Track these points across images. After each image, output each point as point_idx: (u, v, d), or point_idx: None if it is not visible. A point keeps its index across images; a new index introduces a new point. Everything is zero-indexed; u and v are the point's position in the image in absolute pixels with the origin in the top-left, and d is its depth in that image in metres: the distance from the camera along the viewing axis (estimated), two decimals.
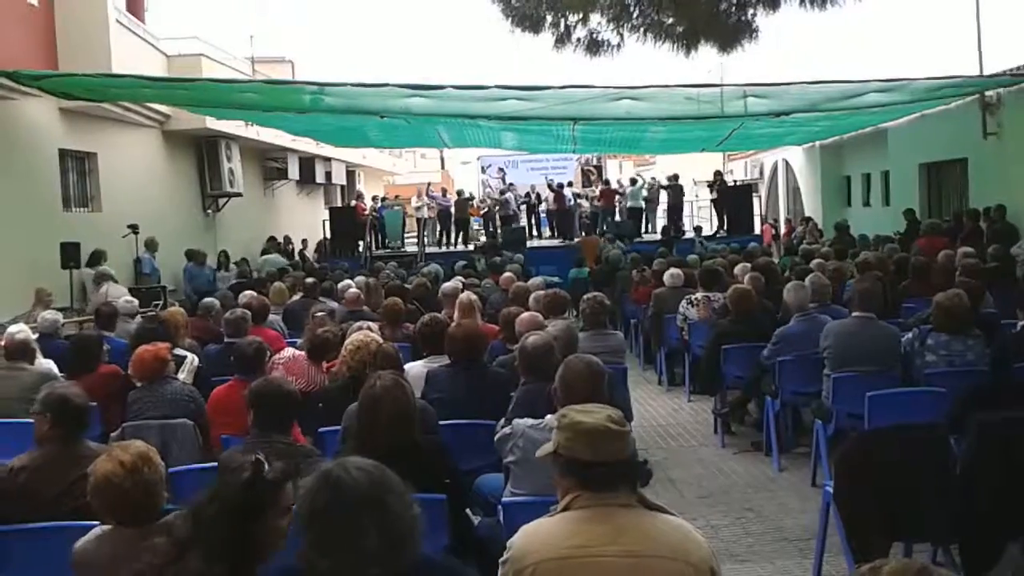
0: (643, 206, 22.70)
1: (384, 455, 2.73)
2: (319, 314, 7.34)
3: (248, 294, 8.72)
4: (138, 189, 14.46)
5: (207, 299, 9.29)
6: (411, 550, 2.19)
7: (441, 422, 4.62)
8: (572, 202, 23.19)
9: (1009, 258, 10.22)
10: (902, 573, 1.77)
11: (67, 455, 3.81)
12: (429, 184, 25.74)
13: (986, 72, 14.17)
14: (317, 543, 2.17)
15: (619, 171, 34.38)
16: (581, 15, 10.92)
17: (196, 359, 6.30)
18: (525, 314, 6.33)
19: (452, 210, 23.21)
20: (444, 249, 22.03)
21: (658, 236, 21.83)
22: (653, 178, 24.45)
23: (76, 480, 3.64)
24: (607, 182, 25.30)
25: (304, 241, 22.29)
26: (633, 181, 23.89)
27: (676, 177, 22.59)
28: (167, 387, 5.38)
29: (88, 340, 6.60)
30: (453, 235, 23.32)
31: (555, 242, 22.61)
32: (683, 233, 21.20)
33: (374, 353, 5.06)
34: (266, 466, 2.54)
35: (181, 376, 5.90)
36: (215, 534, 2.43)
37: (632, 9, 10.75)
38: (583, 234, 21.67)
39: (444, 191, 25.33)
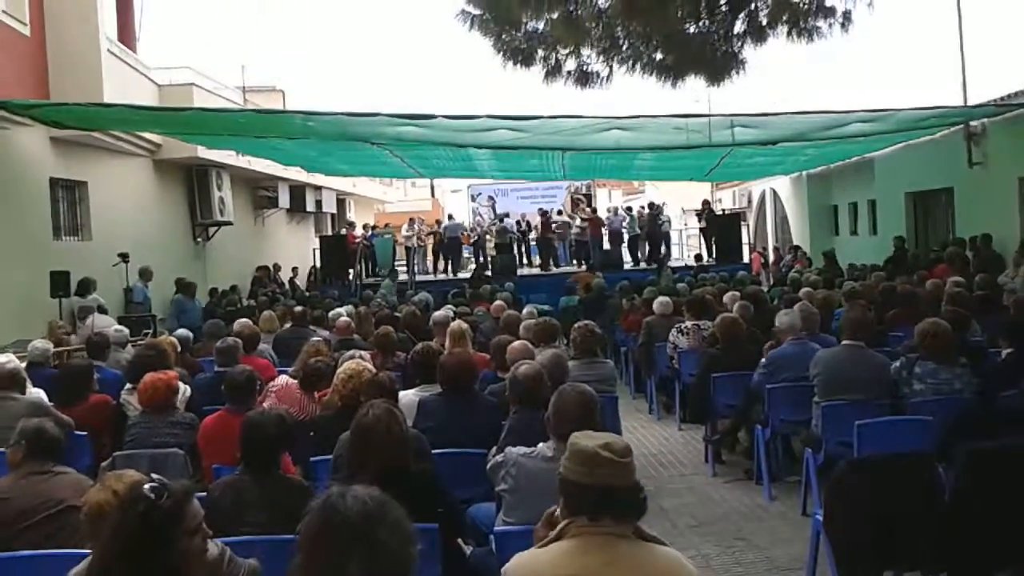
0: (639, 232, 22.89)
1: (376, 484, 2.74)
2: (315, 339, 7.34)
3: (240, 322, 8.72)
4: (129, 218, 14.46)
5: (181, 330, 9.28)
6: None
7: (433, 451, 4.62)
8: (556, 230, 23.36)
9: (996, 287, 10.30)
10: None
11: (34, 484, 3.85)
12: (421, 218, 25.78)
13: (971, 102, 14.35)
14: (303, 565, 2.18)
15: (608, 199, 34.60)
16: (571, 49, 11.03)
17: (188, 389, 6.30)
18: (516, 343, 6.35)
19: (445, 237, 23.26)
20: (439, 277, 22.11)
21: (644, 265, 22.03)
22: (641, 207, 24.63)
23: (45, 508, 3.69)
24: (595, 210, 25.46)
25: (295, 269, 22.29)
26: (629, 210, 24.07)
27: (652, 205, 22.87)
28: (168, 416, 5.41)
29: (78, 369, 6.58)
30: (442, 263, 23.40)
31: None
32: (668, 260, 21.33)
33: (367, 383, 5.06)
34: (164, 493, 2.53)
35: None
36: (122, 572, 2.43)
37: (621, 43, 10.88)
38: (573, 262, 21.76)
39: (451, 217, 25.43)
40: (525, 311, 9.45)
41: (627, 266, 21.92)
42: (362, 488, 2.29)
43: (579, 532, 2.51)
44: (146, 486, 2.56)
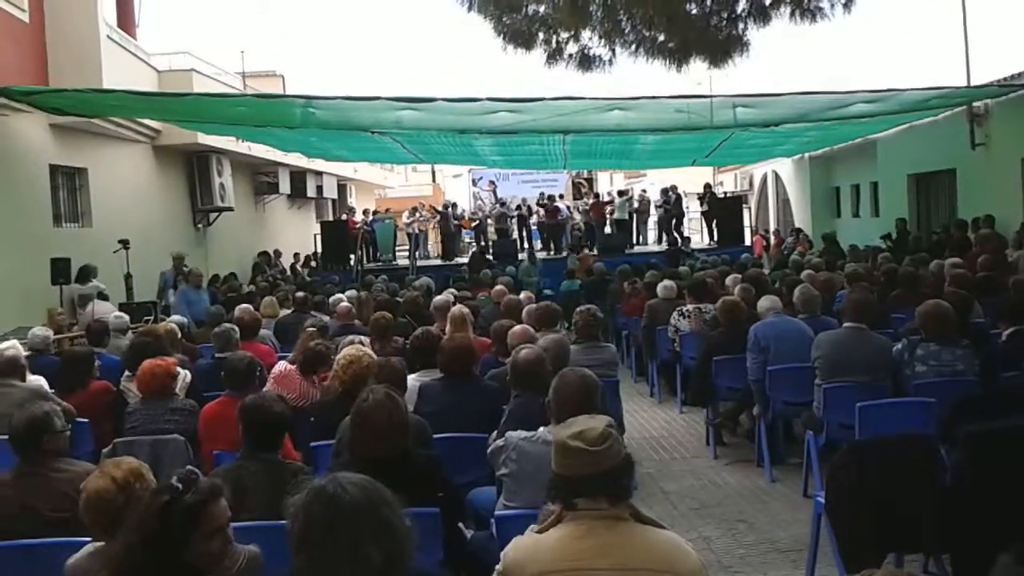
0: (627, 218, 22.78)
1: (377, 468, 2.73)
2: (310, 328, 7.32)
3: (240, 308, 8.71)
4: (129, 204, 14.45)
5: (175, 316, 9.25)
6: (409, 560, 2.19)
7: (433, 436, 4.62)
8: (564, 215, 23.24)
9: (1005, 263, 10.21)
10: None
11: (23, 476, 3.85)
12: (424, 204, 25.74)
13: (973, 83, 14.28)
14: (315, 560, 2.15)
15: (610, 183, 34.50)
16: (572, 32, 10.96)
17: (188, 375, 6.29)
18: (517, 327, 6.33)
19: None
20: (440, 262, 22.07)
21: (648, 248, 21.93)
22: (643, 190, 24.57)
23: (32, 498, 3.70)
24: (597, 195, 25.40)
25: (296, 255, 22.28)
26: (621, 193, 24.01)
27: (674, 188, 22.69)
28: (168, 402, 5.42)
29: (78, 356, 6.58)
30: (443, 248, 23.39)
31: (546, 254, 22.66)
32: (688, 242, 21.21)
33: (380, 367, 5.05)
34: (191, 487, 2.51)
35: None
36: (136, 564, 2.42)
37: (623, 25, 10.81)
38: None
39: (454, 204, 25.40)
40: (523, 295, 9.44)
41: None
42: (349, 474, 2.28)
43: (576, 516, 2.51)
44: (175, 477, 2.55)
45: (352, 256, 21.19)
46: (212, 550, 2.53)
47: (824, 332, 6.47)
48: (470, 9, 10.80)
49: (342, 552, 2.12)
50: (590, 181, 28.42)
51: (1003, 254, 11.24)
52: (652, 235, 24.41)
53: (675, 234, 21.71)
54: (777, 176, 26.41)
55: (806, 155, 22.05)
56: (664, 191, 22.81)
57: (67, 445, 4.17)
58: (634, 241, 23.06)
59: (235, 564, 2.96)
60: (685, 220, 23.28)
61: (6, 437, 5.07)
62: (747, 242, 22.66)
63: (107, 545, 2.86)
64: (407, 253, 22.91)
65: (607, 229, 22.94)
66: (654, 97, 11.58)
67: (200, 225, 17.79)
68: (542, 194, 24.72)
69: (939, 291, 7.74)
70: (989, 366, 5.67)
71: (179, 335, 7.79)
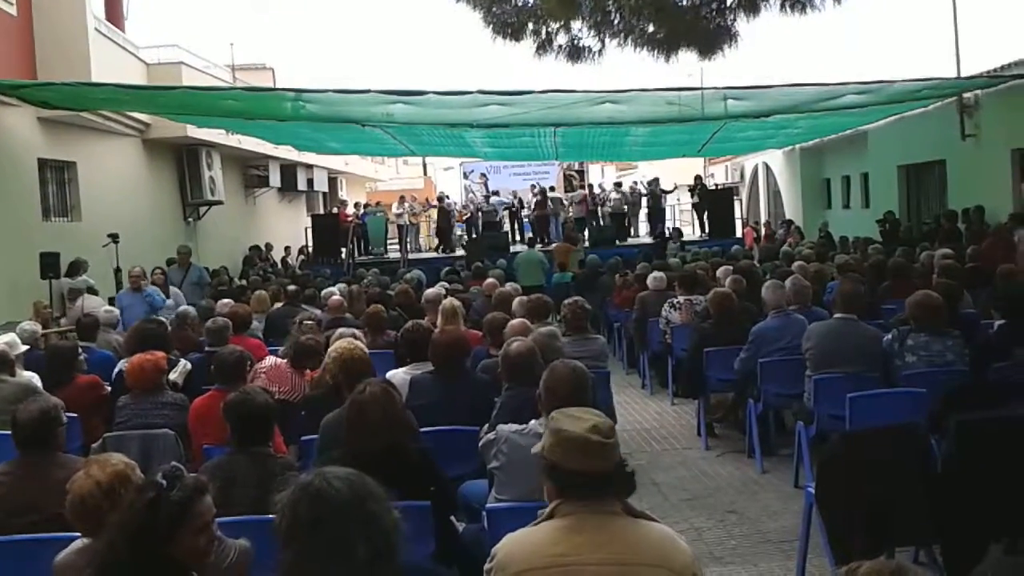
0: (626, 211, 22.81)
1: (370, 462, 2.72)
2: (308, 322, 7.30)
3: (223, 303, 8.67)
4: (118, 198, 14.39)
5: (183, 307, 9.22)
6: (398, 555, 2.18)
7: (425, 429, 4.61)
8: (551, 207, 23.27)
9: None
10: (877, 573, 1.79)
11: (23, 471, 3.83)
12: (413, 196, 25.69)
13: (963, 74, 14.31)
14: (303, 557, 2.13)
15: (601, 175, 34.51)
16: (562, 22, 10.95)
17: (189, 363, 6.27)
18: (515, 321, 6.32)
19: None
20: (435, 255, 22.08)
21: (641, 240, 21.97)
22: (635, 182, 24.58)
23: (33, 495, 3.67)
24: (589, 187, 25.39)
25: (287, 249, 22.21)
26: (618, 185, 24.03)
27: (656, 182, 22.78)
28: (158, 396, 5.39)
29: (63, 351, 6.53)
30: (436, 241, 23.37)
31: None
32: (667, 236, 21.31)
33: (344, 360, 5.00)
34: (176, 484, 2.50)
35: (172, 376, 5.90)
36: (122, 561, 2.42)
37: (612, 16, 10.79)
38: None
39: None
40: (509, 286, 9.44)
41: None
42: (336, 468, 2.27)
43: (569, 511, 2.49)
44: (160, 473, 2.54)
45: (343, 249, 21.16)
46: (198, 546, 2.52)
47: (815, 323, 6.48)
48: None
49: (329, 547, 2.11)
50: (581, 173, 28.42)
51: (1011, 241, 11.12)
52: (643, 227, 24.44)
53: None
54: (768, 168, 26.45)
55: (797, 147, 22.09)
56: (649, 184, 22.90)
57: (65, 439, 4.16)
58: (628, 233, 23.06)
59: (226, 559, 2.96)
60: (676, 212, 23.31)
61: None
62: (738, 234, 22.69)
63: (94, 542, 2.85)
64: (398, 246, 22.90)
65: (600, 222, 22.95)
66: (645, 90, 11.56)
67: (190, 219, 17.72)
68: (533, 186, 24.71)
69: (928, 282, 7.76)
70: (979, 356, 5.68)
71: (168, 328, 7.75)
